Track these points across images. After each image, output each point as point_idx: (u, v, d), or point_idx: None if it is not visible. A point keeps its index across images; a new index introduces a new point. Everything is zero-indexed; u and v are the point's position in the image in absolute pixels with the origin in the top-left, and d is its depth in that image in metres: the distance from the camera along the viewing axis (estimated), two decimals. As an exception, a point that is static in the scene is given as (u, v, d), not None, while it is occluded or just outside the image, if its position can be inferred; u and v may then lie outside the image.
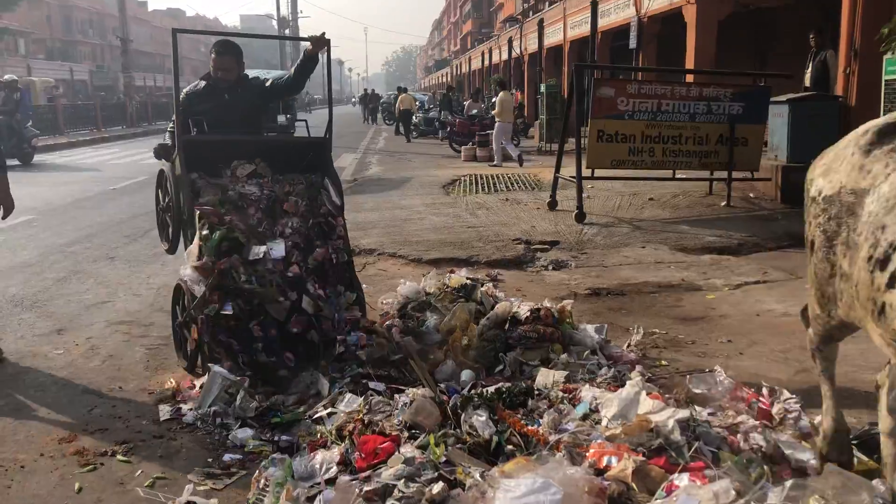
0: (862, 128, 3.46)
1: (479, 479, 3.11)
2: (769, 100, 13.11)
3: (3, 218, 6.48)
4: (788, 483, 2.71)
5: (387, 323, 6.38)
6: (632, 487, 2.97)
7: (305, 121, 7.60)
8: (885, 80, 9.19)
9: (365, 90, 60.82)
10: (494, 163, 21.57)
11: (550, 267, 9.88)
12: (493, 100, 24.64)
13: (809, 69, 14.42)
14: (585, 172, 12.81)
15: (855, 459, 4.25)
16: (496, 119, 21.97)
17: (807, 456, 3.88)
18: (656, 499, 2.75)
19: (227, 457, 4.42)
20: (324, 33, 6.54)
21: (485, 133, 23.93)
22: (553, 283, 9.06)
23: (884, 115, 9.32)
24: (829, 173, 3.54)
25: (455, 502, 3.06)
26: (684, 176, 13.64)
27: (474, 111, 27.55)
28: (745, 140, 12.82)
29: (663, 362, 6.26)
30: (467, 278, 7.01)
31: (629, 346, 6.56)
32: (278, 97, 7.61)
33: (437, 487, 3.17)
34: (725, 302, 8.15)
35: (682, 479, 2.94)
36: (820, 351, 4.07)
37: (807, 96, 13.39)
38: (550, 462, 3.10)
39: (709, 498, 2.40)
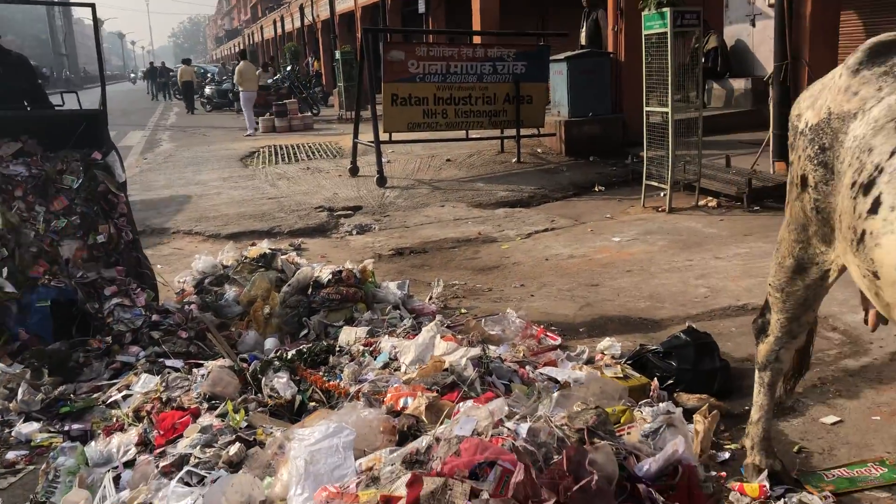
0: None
1: (278, 435, 3.14)
2: (549, 58, 13.86)
3: None
4: (556, 394, 2.98)
5: (184, 300, 6.18)
6: (422, 420, 3.14)
7: (76, 92, 7.10)
8: (645, 35, 10.06)
9: (152, 63, 57.12)
10: (248, 133, 21.96)
11: (354, 231, 9.96)
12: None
13: (584, 28, 15.38)
14: (383, 137, 12.95)
15: (628, 374, 4.72)
16: (240, 89, 22.39)
17: (584, 377, 4.23)
18: (440, 424, 2.93)
19: (10, 454, 4.13)
20: None
21: (282, 103, 23.45)
22: (358, 247, 9.15)
23: (646, 66, 10.21)
24: (815, 103, 3.24)
25: (253, 460, 3.08)
26: (478, 136, 14.14)
27: (269, 81, 26.86)
28: (529, 98, 13.50)
29: (463, 310, 6.56)
30: (268, 248, 6.92)
31: (431, 298, 6.81)
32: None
33: (234, 448, 3.17)
34: (518, 250, 8.63)
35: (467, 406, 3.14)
36: (778, 361, 3.71)
37: (582, 53, 14.28)
38: (345, 408, 3.20)
39: (485, 416, 2.60)
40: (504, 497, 2.15)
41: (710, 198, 10.19)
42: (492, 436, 2.43)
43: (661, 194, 10.16)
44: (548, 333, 5.72)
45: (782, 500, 3.54)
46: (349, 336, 5.07)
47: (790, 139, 3.45)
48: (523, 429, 2.48)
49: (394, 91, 12.62)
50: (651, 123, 10.18)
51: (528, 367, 4.57)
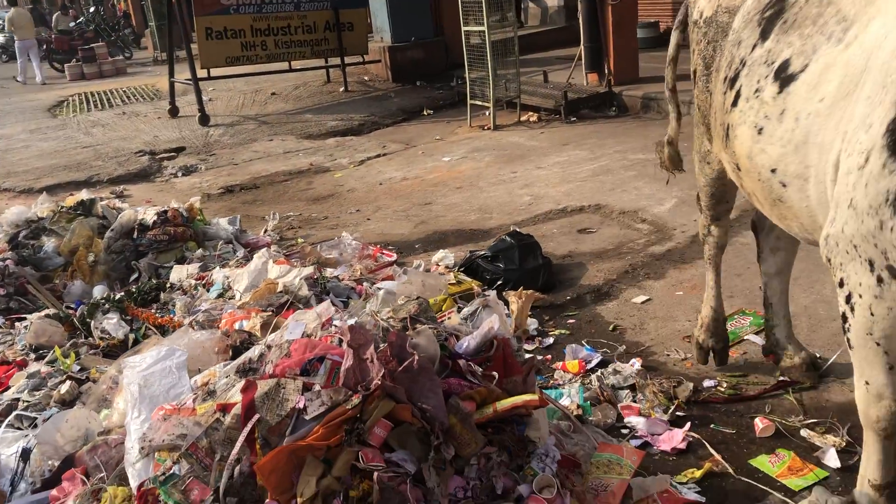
0: None
1: (111, 368, 3.10)
2: (367, -17, 13.68)
3: None
4: (381, 292, 3.15)
5: (-1, 257, 5.80)
6: (255, 335, 3.20)
7: None
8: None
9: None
10: (20, 79, 20.80)
11: (179, 174, 9.61)
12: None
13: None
14: (202, 74, 12.41)
15: (463, 280, 4.96)
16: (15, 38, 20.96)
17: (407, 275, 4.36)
18: (270, 332, 3.01)
19: None
20: None
21: (89, 48, 21.75)
22: (184, 189, 8.85)
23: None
24: None
25: (87, 396, 3.04)
26: (301, 66, 13.84)
27: (70, 25, 24.76)
28: (350, 25, 13.33)
29: (300, 240, 6.57)
30: (86, 196, 6.56)
31: (266, 231, 6.77)
32: None
33: (66, 387, 3.10)
34: (352, 177, 8.67)
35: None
36: (710, 234, 3.81)
37: (400, -24, 14.18)
38: (176, 333, 3.20)
39: (313, 318, 2.71)
40: (335, 386, 2.29)
41: (531, 113, 10.61)
42: (321, 336, 2.55)
43: (486, 113, 10.46)
44: (384, 252, 5.87)
45: (598, 371, 3.93)
46: (180, 274, 4.99)
47: (690, 31, 3.41)
48: (352, 323, 2.62)
49: (207, 25, 12.07)
50: (471, 45, 10.37)
51: (365, 284, 4.70)
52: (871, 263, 2.15)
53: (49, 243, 5.79)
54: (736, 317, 4.44)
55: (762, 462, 3.20)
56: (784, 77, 2.42)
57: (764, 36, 2.61)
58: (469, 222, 6.73)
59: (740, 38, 2.77)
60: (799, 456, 3.20)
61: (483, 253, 5.30)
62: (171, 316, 4.03)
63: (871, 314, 2.21)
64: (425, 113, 11.89)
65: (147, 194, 8.70)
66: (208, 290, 4.37)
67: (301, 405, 2.26)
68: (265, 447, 2.24)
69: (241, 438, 2.22)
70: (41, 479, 2.73)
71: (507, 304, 3.98)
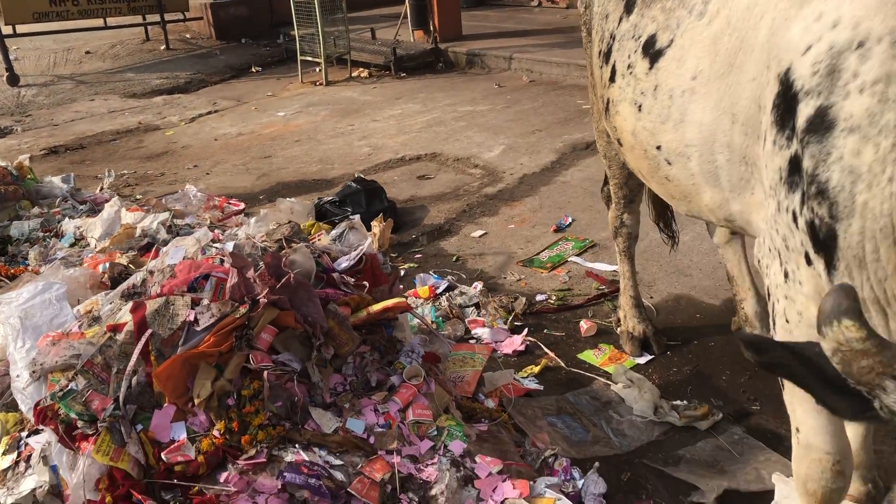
0: None
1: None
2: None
3: None
4: (253, 220, 3.38)
5: None
6: (130, 266, 3.32)
7: None
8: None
9: None
10: None
11: (-8, 136, 9.04)
12: None
13: None
14: (7, 30, 11.54)
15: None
16: None
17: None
18: (151, 259, 3.16)
19: None
20: None
21: None
22: (2, 151, 8.35)
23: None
24: None
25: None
26: (117, 23, 13.17)
27: None
28: (170, -20, 12.85)
29: (139, 196, 6.50)
30: None
31: (102, 189, 6.61)
32: None
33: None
34: (184, 135, 8.56)
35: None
36: (623, 225, 3.64)
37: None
38: (48, 270, 3.25)
39: (192, 244, 2.89)
40: (223, 300, 2.51)
41: (362, 69, 10.83)
42: (202, 259, 2.75)
43: (317, 69, 10.57)
44: (230, 202, 5.97)
45: (446, 294, 4.36)
46: (22, 229, 4.88)
47: None
48: (230, 246, 2.83)
49: (10, -24, 11.23)
50: (298, 2, 10.39)
51: (217, 231, 4.84)
52: (779, 255, 1.89)
53: None
54: (560, 243, 5.01)
55: (588, 355, 3.76)
56: (652, 53, 2.33)
57: (628, 9, 2.51)
58: (311, 173, 6.93)
59: (606, 10, 2.68)
60: (616, 348, 3.79)
61: (331, 199, 5.55)
62: (24, 266, 3.99)
63: (787, 321, 1.92)
64: (254, 70, 11.79)
65: (-42, 158, 8.13)
66: (60, 239, 4.34)
67: (192, 318, 2.48)
68: (160, 358, 2.44)
69: (137, 351, 2.41)
70: (-82, 417, 2.76)
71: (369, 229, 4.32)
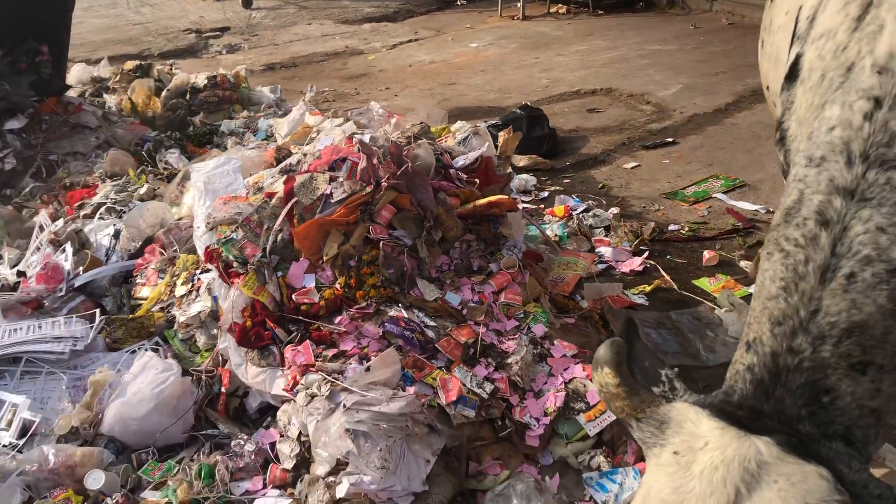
0: None
1: (181, 168, 3.87)
2: None
3: None
4: (394, 119, 3.84)
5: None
6: (294, 151, 3.91)
7: None
8: None
9: None
10: None
11: (224, 51, 10.23)
12: None
13: None
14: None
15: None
16: None
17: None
18: (306, 145, 3.73)
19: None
20: None
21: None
22: (229, 65, 9.44)
23: None
24: None
25: (160, 195, 3.81)
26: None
27: None
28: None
29: (333, 110, 7.24)
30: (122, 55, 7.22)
31: (303, 101, 7.43)
32: None
33: (144, 189, 3.88)
34: (383, 60, 9.24)
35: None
36: None
37: None
38: (232, 149, 3.94)
39: (339, 133, 3.41)
40: (354, 180, 3.00)
41: (560, 5, 10.96)
42: (345, 146, 3.25)
43: (517, 4, 10.84)
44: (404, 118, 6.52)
45: (580, 214, 4.63)
46: (230, 126, 5.71)
47: None
48: (366, 137, 3.31)
49: None
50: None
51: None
52: None
53: (111, 100, 6.53)
54: (710, 179, 5.06)
55: (703, 282, 3.91)
56: None
57: None
58: (488, 100, 7.32)
59: None
60: (734, 279, 3.90)
61: (494, 122, 5.92)
62: (224, 152, 4.77)
63: None
64: (459, 3, 12.26)
65: (194, 69, 9.28)
66: (255, 135, 5.10)
67: (328, 192, 2.99)
68: (300, 221, 2.98)
69: (283, 213, 2.97)
70: (127, 254, 3.54)
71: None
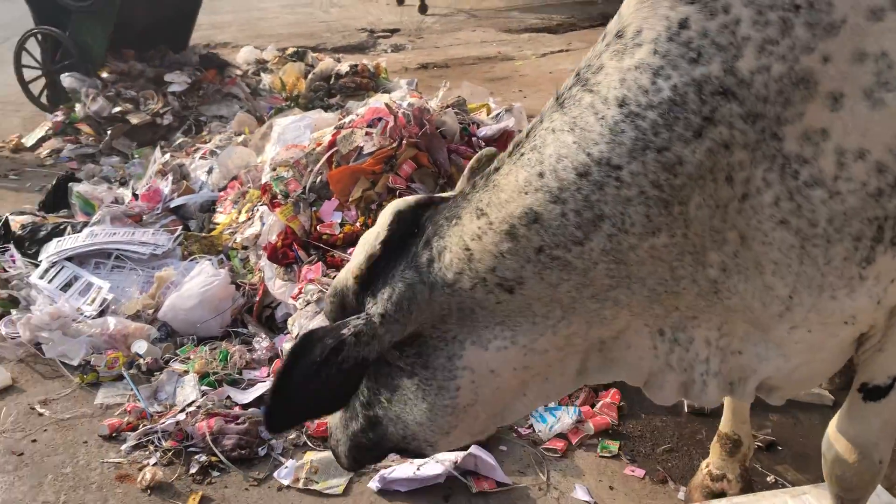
0: None
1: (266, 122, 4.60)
2: None
3: None
4: (441, 91, 4.30)
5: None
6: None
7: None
8: None
9: None
10: None
11: (389, 50, 11.11)
12: None
13: None
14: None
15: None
16: None
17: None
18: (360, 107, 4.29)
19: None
20: None
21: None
22: (389, 63, 10.29)
23: None
24: None
25: (248, 141, 4.56)
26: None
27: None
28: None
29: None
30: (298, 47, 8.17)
31: (437, 94, 8.05)
32: None
33: (240, 138, 4.62)
34: (529, 66, 9.69)
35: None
36: None
37: None
38: (311, 112, 4.57)
39: (386, 98, 3.92)
40: (383, 135, 3.49)
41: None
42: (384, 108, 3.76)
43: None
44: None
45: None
46: (355, 106, 6.40)
47: None
48: (405, 104, 3.79)
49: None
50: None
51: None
52: None
53: (266, 78, 7.48)
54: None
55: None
56: None
57: None
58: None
59: None
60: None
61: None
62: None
63: None
64: (623, 20, 12.44)
65: (358, 62, 10.29)
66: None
67: (362, 144, 3.52)
68: (337, 167, 3.53)
69: (323, 159, 3.53)
70: (217, 188, 4.27)
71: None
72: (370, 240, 1.72)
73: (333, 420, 1.95)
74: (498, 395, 1.74)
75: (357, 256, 1.74)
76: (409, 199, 1.78)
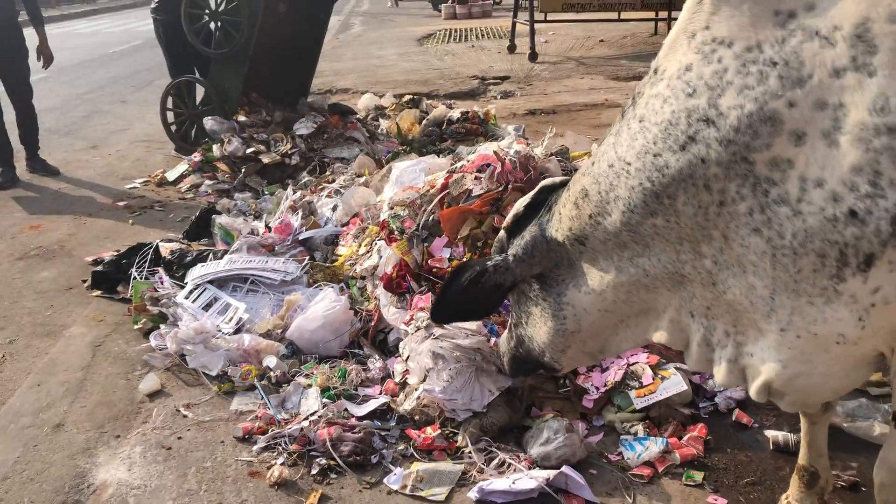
0: None
1: (383, 170, 5.04)
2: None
3: (45, 68, 7.92)
4: (547, 138, 4.63)
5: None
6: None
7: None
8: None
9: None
10: (389, 5, 26.40)
11: (499, 96, 11.56)
12: None
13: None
14: (539, 16, 14.23)
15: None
16: None
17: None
18: (469, 154, 4.64)
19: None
20: None
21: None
22: (498, 108, 10.74)
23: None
24: None
25: (369, 183, 4.99)
26: (628, 17, 15.02)
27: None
28: (681, -19, 14.14)
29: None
30: (413, 94, 8.70)
31: (542, 142, 8.38)
32: None
33: (361, 179, 5.06)
34: (635, 113, 9.89)
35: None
36: None
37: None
38: (427, 158, 4.98)
39: (493, 148, 4.25)
40: (491, 179, 3.83)
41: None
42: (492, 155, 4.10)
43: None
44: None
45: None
46: (463, 153, 6.81)
47: None
48: (512, 151, 4.12)
49: (550, -25, 13.79)
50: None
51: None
52: None
53: (384, 123, 8.02)
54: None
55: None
56: None
57: None
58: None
59: None
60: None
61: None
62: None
63: None
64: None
65: (469, 109, 10.78)
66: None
67: (471, 188, 3.87)
68: (448, 207, 3.89)
69: (436, 200, 3.90)
70: (341, 223, 4.73)
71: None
72: (519, 203, 2.49)
73: (502, 339, 2.80)
74: (595, 328, 2.34)
75: (510, 214, 2.50)
76: (557, 178, 2.58)
